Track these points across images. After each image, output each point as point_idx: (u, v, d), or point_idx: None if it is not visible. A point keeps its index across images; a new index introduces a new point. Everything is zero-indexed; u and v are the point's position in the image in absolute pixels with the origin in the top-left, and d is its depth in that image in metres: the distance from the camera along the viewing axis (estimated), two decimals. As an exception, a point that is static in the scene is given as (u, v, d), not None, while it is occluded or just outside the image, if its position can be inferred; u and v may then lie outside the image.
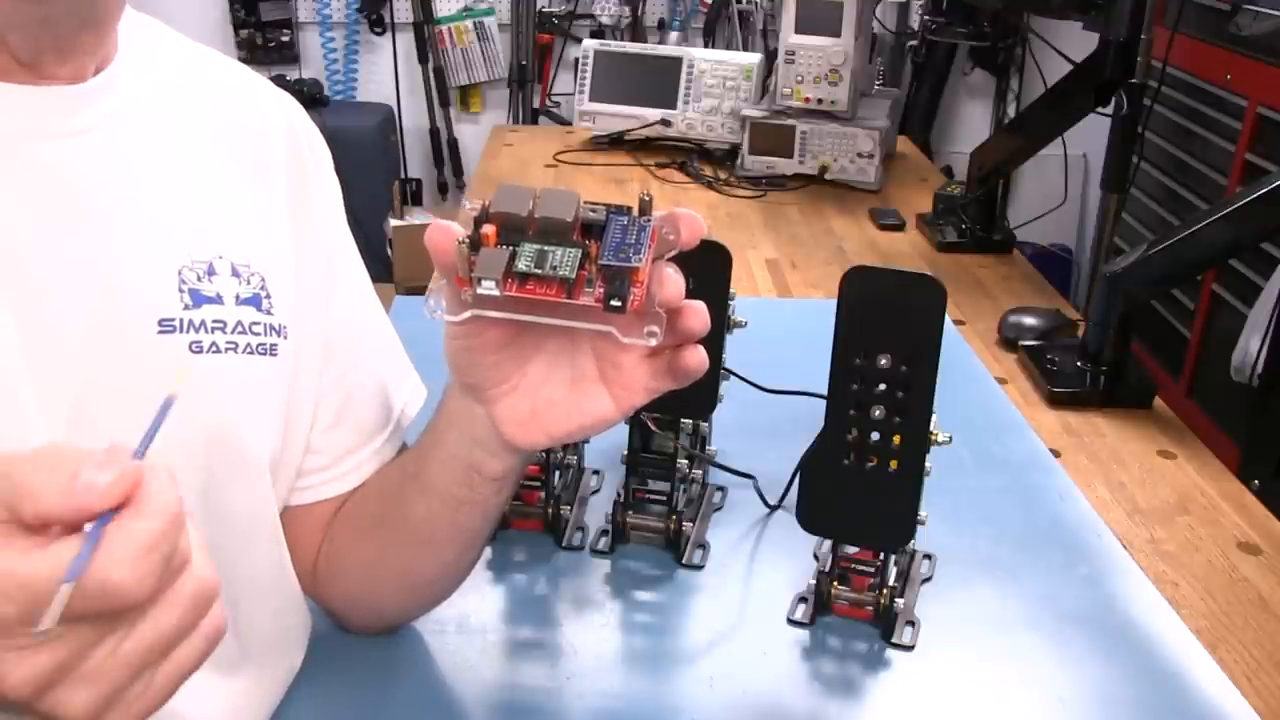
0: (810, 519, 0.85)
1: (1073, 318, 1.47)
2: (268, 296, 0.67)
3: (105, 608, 0.39)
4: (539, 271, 0.54)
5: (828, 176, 2.01)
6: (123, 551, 0.39)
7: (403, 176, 3.51)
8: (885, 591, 0.86)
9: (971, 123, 3.44)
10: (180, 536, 0.41)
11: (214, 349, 0.63)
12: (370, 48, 3.50)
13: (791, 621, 0.88)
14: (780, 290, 1.60)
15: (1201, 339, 2.24)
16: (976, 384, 1.29)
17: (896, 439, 0.80)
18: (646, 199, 0.56)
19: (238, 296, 0.65)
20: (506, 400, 0.61)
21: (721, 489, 1.04)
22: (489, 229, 0.55)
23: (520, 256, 0.54)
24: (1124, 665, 0.85)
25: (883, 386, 0.80)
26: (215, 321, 0.63)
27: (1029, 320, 1.43)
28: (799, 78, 1.98)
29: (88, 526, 0.39)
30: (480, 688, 0.81)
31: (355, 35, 3.47)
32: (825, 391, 0.81)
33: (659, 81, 2.17)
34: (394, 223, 3.21)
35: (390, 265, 3.17)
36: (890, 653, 0.86)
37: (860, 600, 0.88)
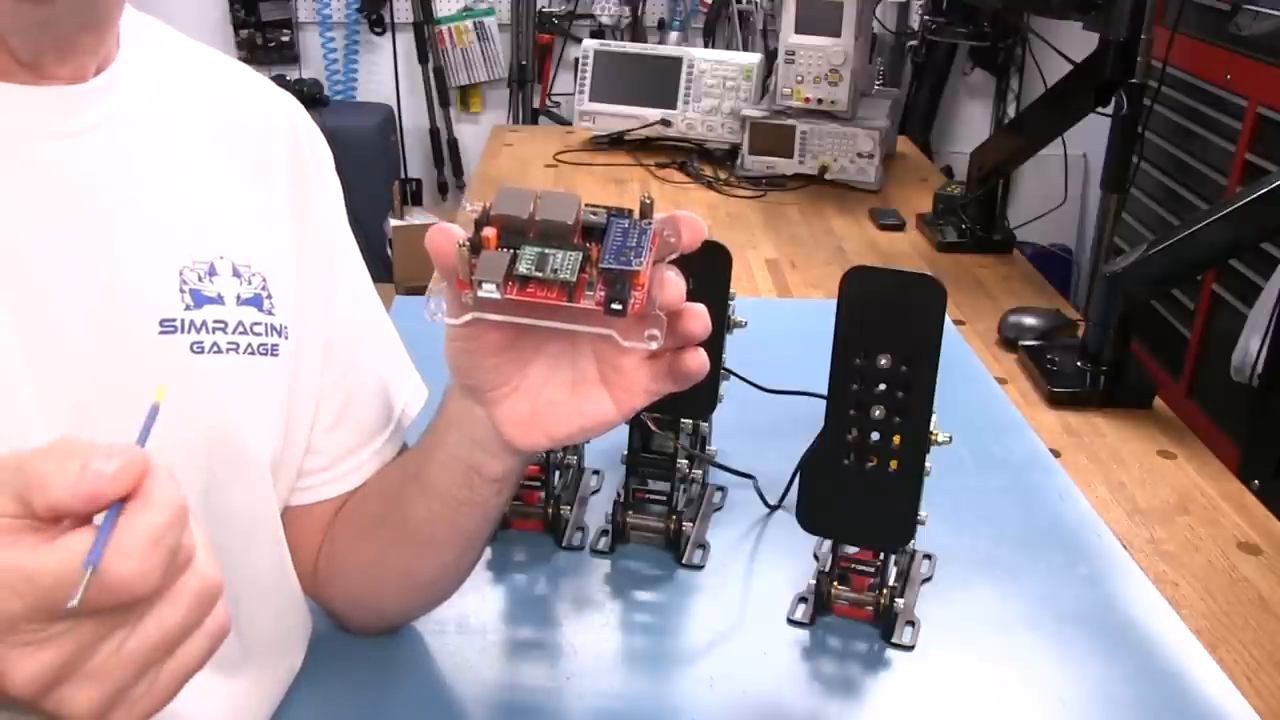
0: (810, 519, 0.85)
1: (1073, 318, 1.47)
2: (269, 297, 0.67)
3: (111, 601, 0.39)
4: (540, 274, 0.54)
5: (828, 176, 2.01)
6: (128, 544, 0.39)
7: (403, 176, 3.51)
8: (885, 591, 0.87)
9: (971, 123, 3.44)
10: (185, 530, 0.41)
11: (215, 349, 0.63)
12: (370, 48, 3.50)
13: (791, 621, 0.88)
14: (780, 290, 1.60)
15: (1201, 339, 2.24)
16: (976, 384, 1.29)
17: (896, 439, 0.80)
18: (647, 202, 0.56)
19: (239, 297, 0.65)
20: (507, 402, 0.61)
21: (721, 489, 1.05)
22: (490, 232, 0.55)
23: (521, 259, 0.54)
24: (1124, 665, 0.85)
25: (883, 386, 0.80)
26: (216, 322, 0.63)
27: (1029, 320, 1.44)
28: (799, 78, 1.98)
29: (97, 520, 0.40)
30: (480, 688, 0.81)
31: (355, 35, 3.47)
32: (825, 391, 0.81)
33: (659, 81, 2.17)
34: (394, 223, 3.21)
35: (390, 265, 3.17)
36: (890, 653, 0.86)
37: (860, 600, 0.88)
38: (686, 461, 0.96)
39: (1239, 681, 0.84)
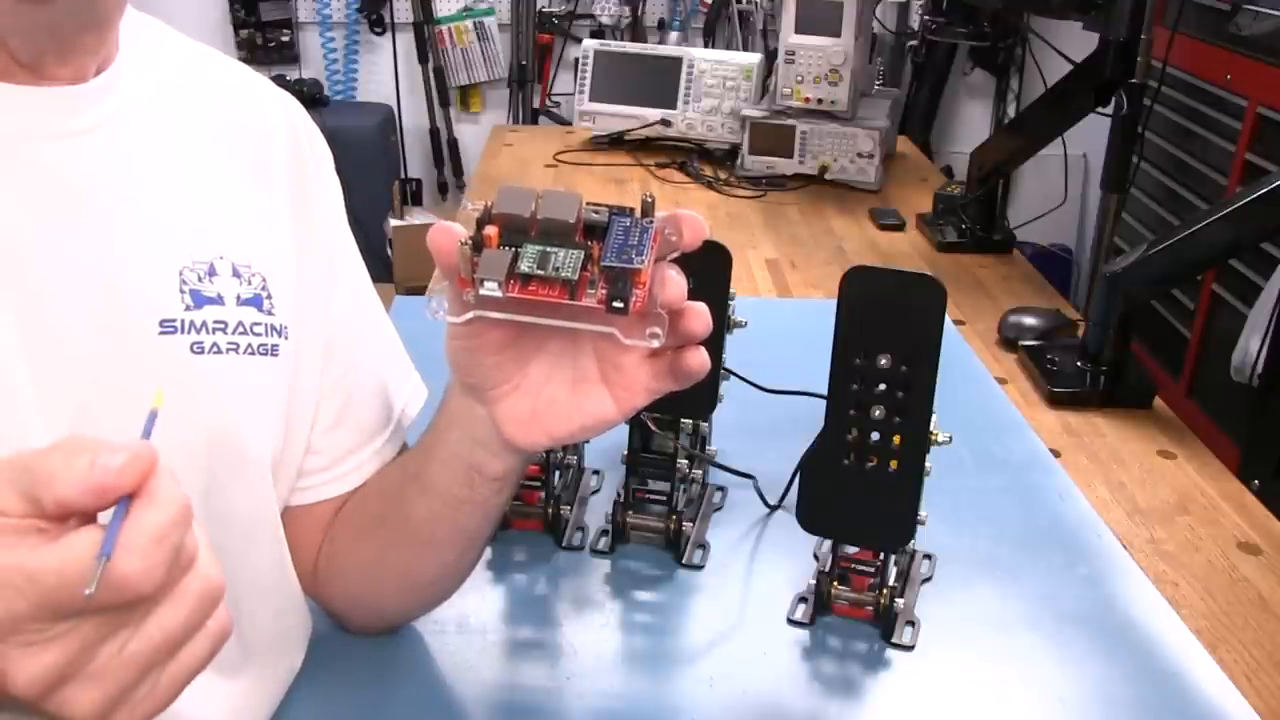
0: (810, 519, 0.85)
1: (1073, 318, 1.47)
2: (269, 297, 0.67)
3: (114, 598, 0.39)
4: (541, 273, 0.54)
5: (828, 176, 2.01)
6: (133, 541, 0.39)
7: (403, 176, 3.51)
8: (885, 591, 0.87)
9: (971, 123, 3.44)
10: (188, 530, 0.41)
11: (215, 350, 0.63)
12: (370, 48, 3.50)
13: (791, 621, 0.88)
14: (780, 290, 1.60)
15: (1201, 339, 2.24)
16: (976, 384, 1.29)
17: (896, 439, 0.80)
18: (649, 200, 0.56)
19: (239, 297, 0.65)
20: (508, 400, 0.61)
21: (721, 489, 1.05)
22: (491, 230, 0.55)
23: (523, 258, 0.54)
24: (1124, 665, 0.85)
25: (883, 386, 0.80)
26: (216, 322, 0.63)
27: (1029, 320, 1.44)
28: (799, 78, 1.98)
29: (102, 518, 0.40)
30: (480, 688, 0.81)
31: (355, 35, 3.47)
32: (825, 391, 0.81)
33: (659, 81, 2.17)
34: (394, 223, 3.21)
35: (390, 265, 3.17)
36: (890, 653, 0.86)
37: (860, 600, 0.88)
38: (686, 461, 0.96)
39: (1239, 681, 0.84)
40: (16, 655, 0.39)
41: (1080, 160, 2.88)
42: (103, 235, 0.59)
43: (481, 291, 0.54)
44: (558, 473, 0.98)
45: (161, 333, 0.61)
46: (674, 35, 3.36)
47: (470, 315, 0.56)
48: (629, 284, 0.53)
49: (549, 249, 0.54)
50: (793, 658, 0.85)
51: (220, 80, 0.71)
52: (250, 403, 0.66)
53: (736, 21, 3.27)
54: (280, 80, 3.16)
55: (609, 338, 0.56)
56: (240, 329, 0.65)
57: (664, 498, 0.97)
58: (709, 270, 0.81)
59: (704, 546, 0.97)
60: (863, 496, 0.82)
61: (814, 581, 0.88)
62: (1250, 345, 1.83)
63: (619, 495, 0.97)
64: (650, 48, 2.42)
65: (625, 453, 0.96)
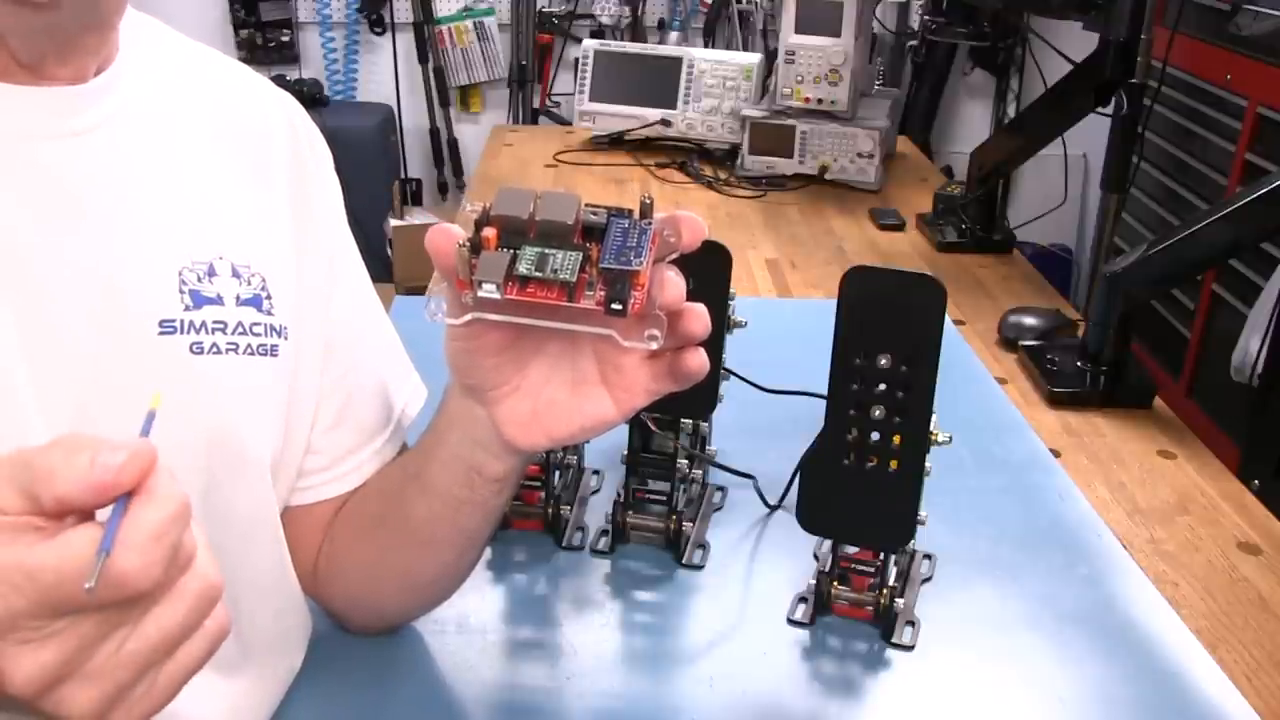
0: (810, 519, 0.85)
1: (1073, 318, 1.47)
2: (268, 297, 0.67)
3: (112, 595, 0.39)
4: (540, 275, 0.54)
5: (828, 176, 2.01)
6: (131, 538, 0.39)
7: (403, 176, 3.51)
8: (885, 591, 0.87)
9: (971, 123, 3.44)
10: (187, 527, 0.41)
11: (214, 350, 0.63)
12: (370, 48, 3.50)
13: (791, 621, 0.88)
14: (780, 290, 1.60)
15: (1201, 339, 2.24)
16: (976, 384, 1.29)
17: (896, 439, 0.80)
18: (647, 202, 0.56)
19: (238, 297, 0.65)
20: (507, 402, 0.61)
21: (721, 489, 1.05)
22: (490, 232, 0.55)
23: (521, 260, 0.54)
24: (1124, 665, 0.85)
25: (883, 386, 0.80)
26: (216, 322, 0.63)
27: (1029, 320, 1.44)
28: (799, 78, 1.98)
29: (100, 515, 0.40)
30: (480, 688, 0.81)
31: (355, 35, 3.47)
32: (825, 391, 0.81)
33: (659, 81, 2.17)
34: (394, 223, 3.21)
35: (390, 265, 3.17)
36: (890, 653, 0.86)
37: (860, 600, 0.88)
38: (686, 461, 0.96)
39: (1239, 681, 0.84)
40: (14, 653, 0.39)
41: (1080, 160, 2.88)
42: (102, 235, 0.59)
43: (480, 293, 0.54)
44: (558, 473, 0.98)
45: (161, 333, 0.61)
46: (674, 35, 3.36)
47: (469, 317, 0.56)
48: (627, 286, 0.53)
49: (547, 251, 0.54)
50: (793, 658, 0.85)
51: (220, 80, 0.71)
52: (250, 403, 0.66)
53: (736, 21, 3.27)
54: (280, 80, 3.16)
55: (608, 339, 0.56)
56: (240, 329, 0.65)
57: (664, 498, 0.97)
58: (709, 270, 0.81)
59: (704, 546, 0.97)
60: (863, 496, 0.82)
61: (814, 581, 0.88)
62: (1250, 345, 1.83)
63: (619, 495, 0.97)
64: (650, 48, 2.42)
65: (625, 453, 0.96)
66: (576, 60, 2.39)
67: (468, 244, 0.54)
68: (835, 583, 0.88)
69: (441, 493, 0.68)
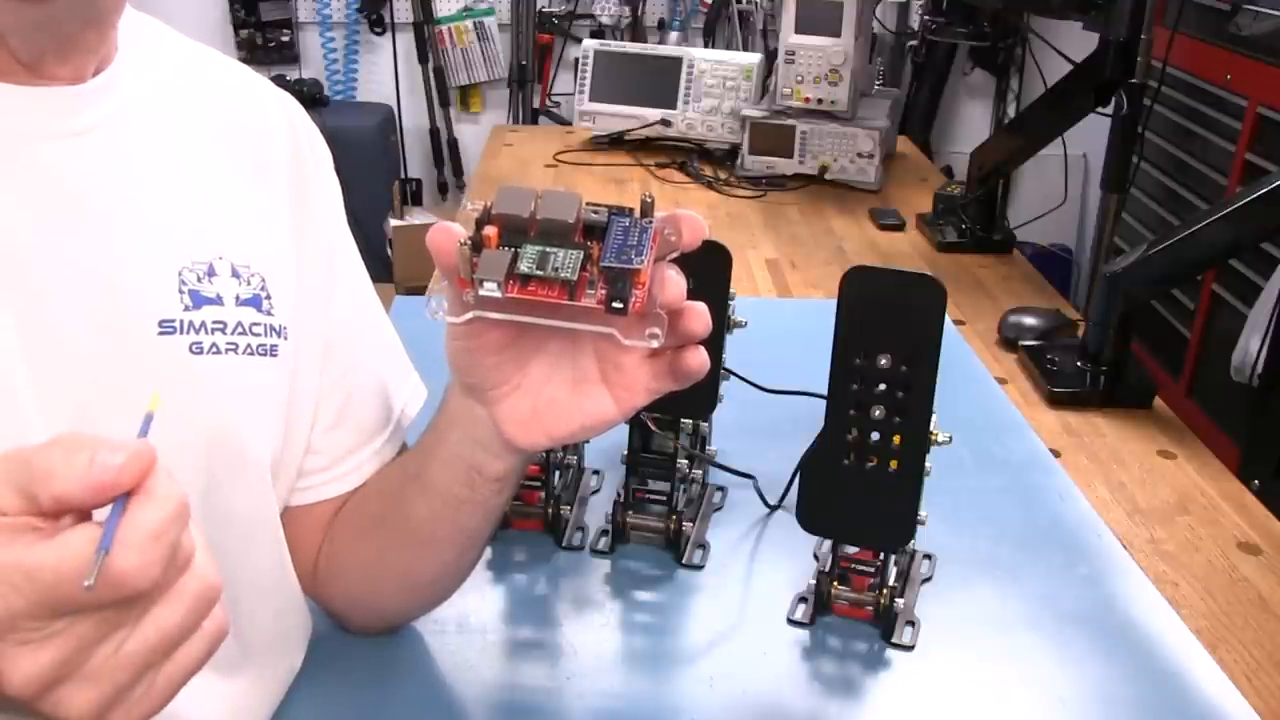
0: (810, 519, 0.85)
1: (1073, 318, 1.47)
2: (268, 297, 0.67)
3: (111, 595, 0.39)
4: (541, 273, 0.54)
5: (828, 176, 2.01)
6: (130, 537, 0.39)
7: (403, 176, 3.51)
8: (885, 591, 0.87)
9: (971, 123, 3.44)
10: (186, 527, 0.41)
11: (214, 350, 0.63)
12: (370, 48, 3.50)
13: (791, 621, 0.88)
14: (780, 290, 1.60)
15: (1201, 339, 2.24)
16: (976, 384, 1.29)
17: (896, 439, 0.80)
18: (648, 200, 0.56)
19: (238, 297, 0.65)
20: (508, 401, 0.61)
21: (721, 489, 1.05)
22: (491, 230, 0.55)
23: (522, 258, 0.54)
24: (1124, 665, 0.85)
25: (883, 386, 0.80)
26: (215, 323, 0.63)
27: (1029, 320, 1.44)
28: (799, 78, 1.98)
29: (98, 515, 0.40)
30: (480, 688, 0.81)
31: (355, 35, 3.47)
32: (825, 391, 0.81)
33: (659, 81, 2.17)
34: (394, 223, 3.21)
35: (390, 265, 3.17)
36: (890, 653, 0.86)
37: (860, 600, 0.88)
38: (686, 461, 0.96)
39: (1239, 681, 0.84)
40: (13, 654, 0.39)
41: (1080, 160, 2.88)
42: (102, 235, 0.59)
43: (481, 292, 0.54)
44: (558, 473, 0.98)
45: (160, 333, 0.61)
46: (674, 35, 3.36)
47: (470, 315, 0.56)
48: (628, 284, 0.53)
49: (548, 249, 0.54)
50: (793, 658, 0.85)
51: (220, 80, 0.71)
52: (250, 403, 0.66)
53: (736, 21, 3.27)
54: (280, 80, 3.16)
55: (609, 338, 0.56)
56: (239, 329, 0.65)
57: (664, 498, 0.97)
58: (709, 270, 0.81)
59: (704, 546, 0.97)
60: (863, 496, 0.82)
61: (814, 581, 0.88)
62: (1250, 345, 1.83)
63: (619, 495, 0.96)
64: (650, 48, 2.42)
65: (625, 453, 0.96)
66: (576, 60, 2.39)
67: (469, 242, 0.54)
68: (835, 583, 0.88)
69: (442, 492, 0.68)
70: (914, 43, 3.26)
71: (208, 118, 0.68)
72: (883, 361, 0.79)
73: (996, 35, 2.84)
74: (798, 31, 1.98)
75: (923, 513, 0.82)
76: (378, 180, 3.28)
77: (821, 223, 1.88)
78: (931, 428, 0.80)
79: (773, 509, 1.02)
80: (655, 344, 0.55)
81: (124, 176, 0.61)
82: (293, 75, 3.40)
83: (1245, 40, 2.14)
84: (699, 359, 0.58)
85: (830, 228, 1.86)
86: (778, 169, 2.04)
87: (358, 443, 0.76)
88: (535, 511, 0.97)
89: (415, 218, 3.27)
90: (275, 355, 0.67)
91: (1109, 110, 1.50)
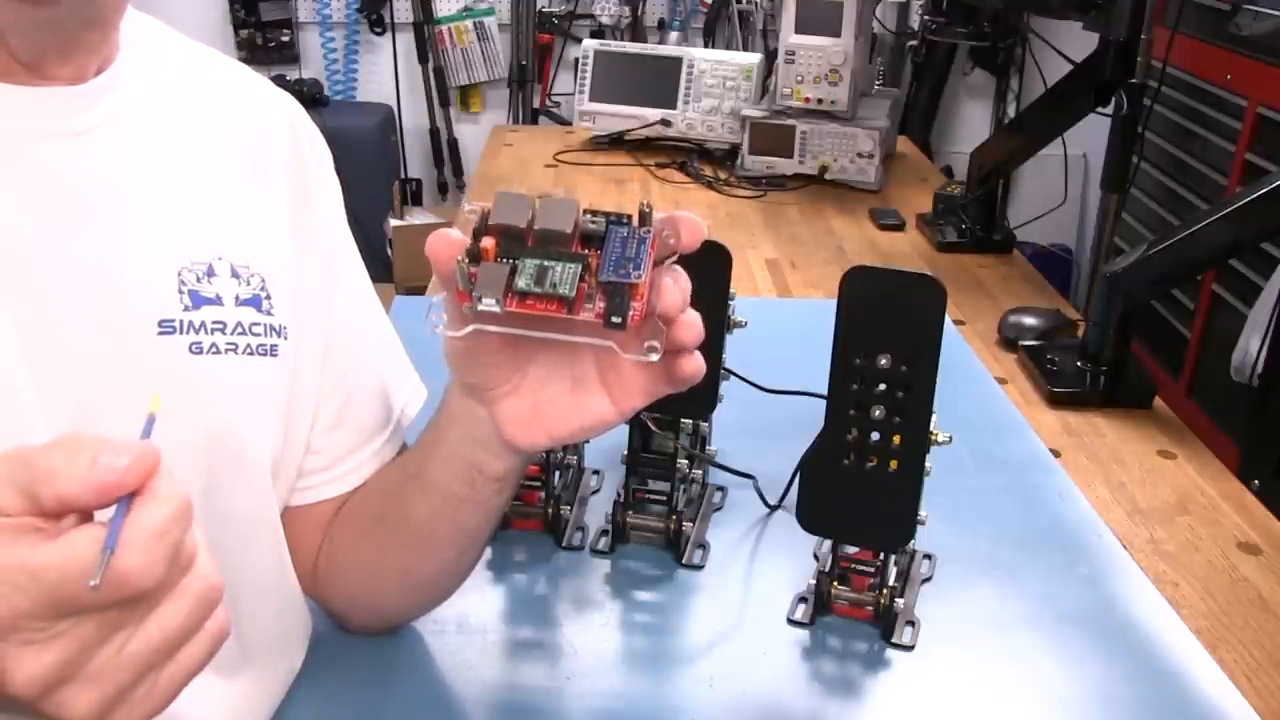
0: (810, 519, 0.85)
1: (1073, 318, 1.47)
2: (268, 297, 0.67)
3: (114, 594, 0.39)
4: (539, 289, 0.54)
5: (828, 176, 2.01)
6: (134, 537, 0.39)
7: (403, 176, 3.51)
8: (885, 591, 0.87)
9: (971, 123, 3.44)
10: (189, 526, 0.41)
11: (214, 350, 0.63)
12: (370, 48, 3.50)
13: (791, 621, 0.88)
14: (780, 290, 1.60)
15: (1201, 339, 2.24)
16: (976, 384, 1.29)
17: (896, 439, 0.80)
18: (646, 209, 0.55)
19: (237, 297, 0.65)
20: (507, 401, 0.61)
21: (721, 489, 1.05)
22: (488, 242, 0.54)
23: (520, 273, 0.54)
24: (1124, 665, 0.85)
25: (883, 386, 0.80)
26: (215, 323, 0.63)
27: (1029, 320, 1.44)
28: (799, 78, 1.98)
29: (99, 516, 0.40)
30: (480, 688, 0.81)
31: (355, 35, 3.47)
32: (825, 391, 0.81)
33: (659, 81, 2.17)
34: (394, 223, 3.21)
35: (390, 265, 3.17)
36: (890, 653, 0.86)
37: (860, 600, 0.88)
38: (686, 461, 0.96)
39: (1239, 681, 0.84)
40: (16, 654, 0.39)
41: (1080, 160, 2.88)
42: (103, 235, 0.59)
43: (480, 307, 0.54)
44: (558, 473, 0.98)
45: (160, 333, 0.61)
46: (674, 35, 3.36)
47: (469, 329, 0.56)
48: (626, 299, 0.53)
49: (546, 262, 0.54)
50: (793, 658, 0.85)
51: (220, 80, 0.71)
52: (249, 403, 0.66)
53: (736, 21, 3.27)
54: (280, 80, 3.16)
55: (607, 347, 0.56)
56: (239, 329, 0.65)
57: (664, 498, 0.97)
58: (709, 270, 0.81)
59: (704, 546, 0.97)
60: (863, 496, 0.82)
61: (814, 581, 0.88)
62: (1250, 345, 1.83)
63: (619, 495, 0.97)
64: (650, 48, 2.42)
65: (625, 453, 0.96)
66: (576, 60, 2.39)
67: (466, 258, 0.54)
68: (835, 583, 0.88)
69: (442, 491, 0.68)
70: (914, 43, 3.26)
71: (208, 118, 0.68)
72: (883, 361, 0.79)
73: (996, 35, 2.84)
74: (798, 31, 1.98)
75: (923, 513, 0.82)
76: (378, 180, 3.28)
77: (821, 223, 1.88)
78: (931, 428, 0.80)
79: (773, 509, 1.02)
80: (654, 358, 0.55)
81: (125, 177, 0.61)
82: (293, 75, 3.40)
83: (1245, 40, 2.14)
84: (694, 365, 0.58)
85: (830, 228, 1.86)
86: (778, 169, 2.04)
87: (358, 443, 0.76)
88: (535, 511, 0.97)
89: (415, 218, 3.27)
90: (275, 355, 0.67)
91: (1109, 110, 1.50)
